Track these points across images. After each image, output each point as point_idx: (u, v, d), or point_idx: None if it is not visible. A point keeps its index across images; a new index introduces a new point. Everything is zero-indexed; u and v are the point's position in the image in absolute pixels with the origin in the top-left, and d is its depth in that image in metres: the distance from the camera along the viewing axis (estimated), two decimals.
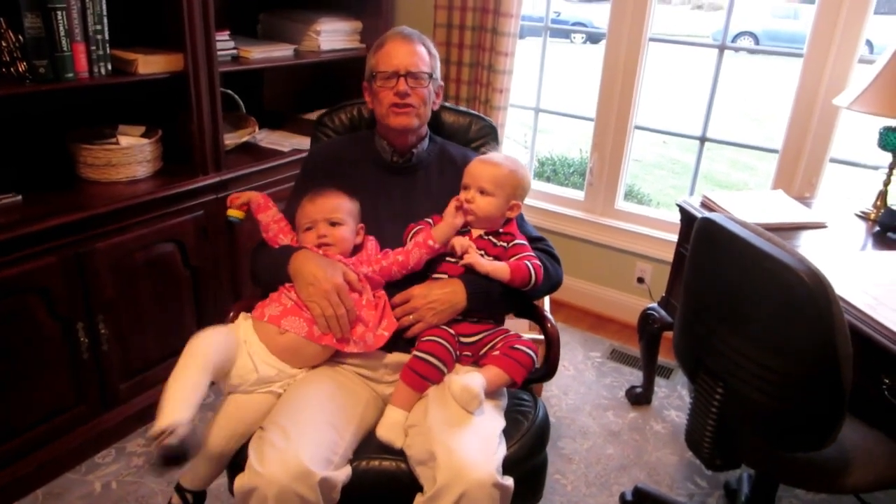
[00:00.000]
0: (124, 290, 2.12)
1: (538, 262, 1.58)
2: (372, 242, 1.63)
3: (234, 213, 1.66)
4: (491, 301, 1.57)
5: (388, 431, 1.43)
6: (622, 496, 2.10)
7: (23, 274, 1.84)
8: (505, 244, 1.60)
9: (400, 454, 1.42)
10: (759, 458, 1.58)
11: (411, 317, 1.54)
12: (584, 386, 2.70)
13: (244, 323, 1.54)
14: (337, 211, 1.57)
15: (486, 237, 1.61)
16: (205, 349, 1.40)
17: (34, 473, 2.01)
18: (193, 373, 1.36)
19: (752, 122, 8.26)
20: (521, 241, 1.62)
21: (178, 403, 1.29)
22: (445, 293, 1.54)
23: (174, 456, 1.56)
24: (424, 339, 1.52)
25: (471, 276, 1.55)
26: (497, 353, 1.53)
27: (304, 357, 1.51)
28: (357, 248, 1.62)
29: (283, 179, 2.56)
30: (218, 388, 1.52)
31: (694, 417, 1.64)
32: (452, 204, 1.58)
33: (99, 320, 2.05)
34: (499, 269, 1.53)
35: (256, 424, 1.43)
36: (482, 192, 1.59)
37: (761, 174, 6.49)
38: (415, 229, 1.64)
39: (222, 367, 1.44)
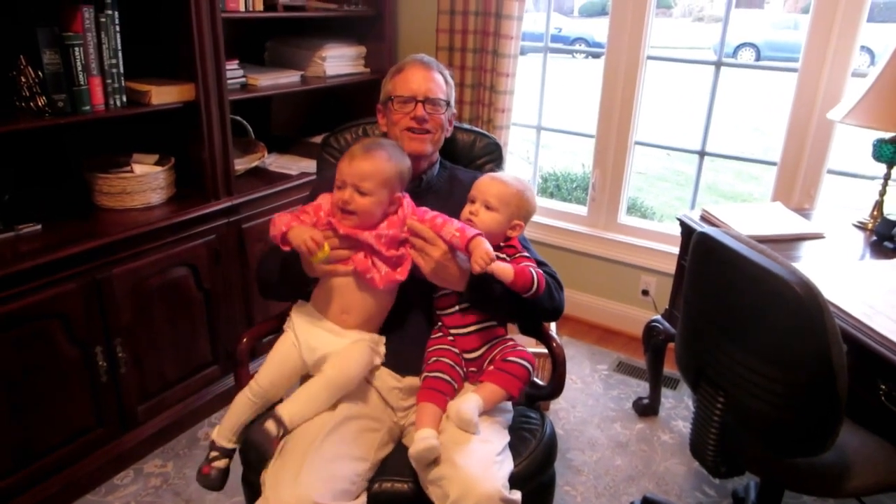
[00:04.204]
0: (140, 314, 2.18)
1: (541, 273, 1.55)
2: (406, 202, 1.56)
3: (322, 255, 1.43)
4: (489, 295, 1.52)
5: (421, 442, 1.38)
6: None
7: (43, 300, 1.90)
8: (507, 257, 1.60)
9: (414, 477, 1.44)
10: (762, 464, 1.62)
11: (418, 250, 1.50)
12: (591, 398, 2.73)
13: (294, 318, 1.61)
14: (368, 179, 1.46)
15: None
16: (265, 386, 1.56)
17: (55, 496, 2.05)
18: (244, 407, 1.56)
19: (754, 132, 8.31)
20: (525, 253, 1.62)
21: (224, 432, 1.58)
22: (456, 269, 1.50)
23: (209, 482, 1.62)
24: (431, 360, 1.55)
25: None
26: (492, 367, 1.55)
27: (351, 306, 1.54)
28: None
29: (293, 202, 2.62)
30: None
31: (697, 427, 1.67)
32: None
33: (116, 344, 2.11)
34: (502, 268, 1.46)
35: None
36: (487, 206, 1.59)
37: (766, 184, 6.49)
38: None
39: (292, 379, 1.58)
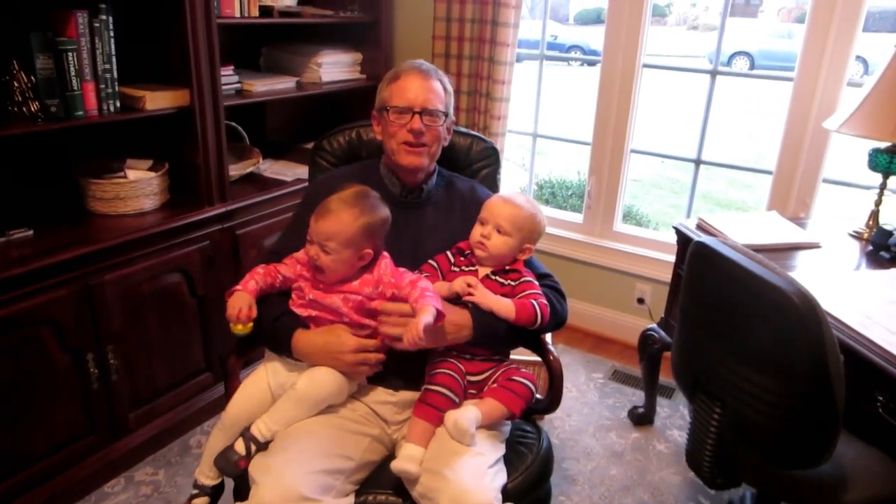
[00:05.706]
0: (132, 321, 2.16)
1: (545, 301, 1.55)
2: (384, 264, 1.53)
3: (241, 329, 1.47)
4: (495, 338, 1.54)
5: (404, 462, 1.39)
6: None
7: (35, 307, 1.88)
8: (512, 282, 1.58)
9: (406, 495, 1.42)
10: (758, 476, 1.61)
11: (399, 332, 1.42)
12: (586, 407, 2.72)
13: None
14: (331, 240, 1.45)
15: (492, 277, 1.59)
16: (232, 417, 1.54)
17: None
18: (217, 439, 1.55)
19: (748, 139, 8.34)
20: (529, 277, 1.60)
21: (203, 468, 1.60)
22: (451, 325, 1.48)
23: None
24: (435, 371, 1.52)
25: (479, 311, 1.51)
26: (495, 385, 1.54)
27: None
28: (369, 265, 1.53)
29: (287, 209, 2.61)
30: None
31: (693, 437, 1.67)
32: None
33: (108, 351, 2.09)
34: (504, 307, 1.51)
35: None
36: (499, 230, 1.57)
37: (759, 192, 6.53)
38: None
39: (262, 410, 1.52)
